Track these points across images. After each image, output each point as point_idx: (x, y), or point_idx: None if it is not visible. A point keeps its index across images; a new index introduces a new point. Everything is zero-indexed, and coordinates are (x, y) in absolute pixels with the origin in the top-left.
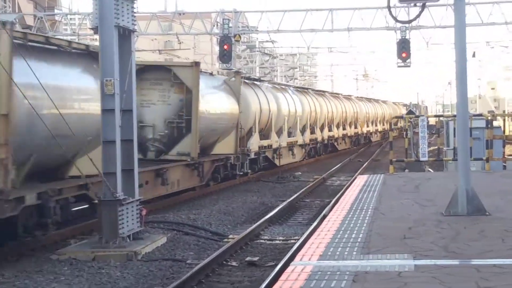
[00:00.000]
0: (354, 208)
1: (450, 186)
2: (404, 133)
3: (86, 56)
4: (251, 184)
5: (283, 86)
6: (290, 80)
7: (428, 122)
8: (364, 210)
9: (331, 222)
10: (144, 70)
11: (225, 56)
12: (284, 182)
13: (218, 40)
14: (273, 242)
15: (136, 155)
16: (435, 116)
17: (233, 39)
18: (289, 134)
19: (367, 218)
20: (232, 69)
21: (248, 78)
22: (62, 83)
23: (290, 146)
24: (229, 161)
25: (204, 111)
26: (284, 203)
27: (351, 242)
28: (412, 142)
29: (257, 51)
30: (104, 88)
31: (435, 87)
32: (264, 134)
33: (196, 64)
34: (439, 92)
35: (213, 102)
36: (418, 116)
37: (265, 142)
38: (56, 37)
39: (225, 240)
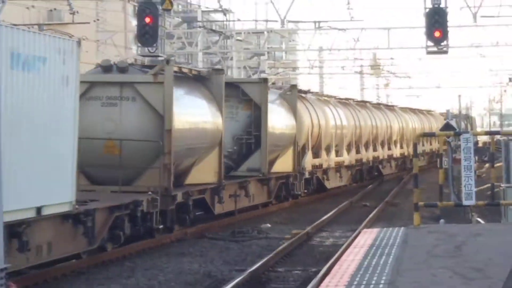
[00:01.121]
0: (355, 283)
1: None
2: (438, 160)
3: (198, 80)
4: (188, 244)
5: (326, 98)
6: (255, 74)
7: (476, 144)
8: (371, 287)
9: None
10: None
11: (146, 35)
12: (242, 241)
13: (136, 9)
14: None
15: (1, 200)
16: (488, 133)
17: (160, 8)
18: (336, 153)
19: None
20: (159, 56)
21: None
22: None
23: (337, 167)
24: (289, 180)
25: (270, 127)
26: (243, 275)
27: None
28: (451, 175)
29: (200, 28)
30: None
31: (487, 86)
32: (315, 152)
33: (265, 80)
34: (494, 94)
35: (276, 118)
36: (459, 134)
37: (317, 161)
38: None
39: None
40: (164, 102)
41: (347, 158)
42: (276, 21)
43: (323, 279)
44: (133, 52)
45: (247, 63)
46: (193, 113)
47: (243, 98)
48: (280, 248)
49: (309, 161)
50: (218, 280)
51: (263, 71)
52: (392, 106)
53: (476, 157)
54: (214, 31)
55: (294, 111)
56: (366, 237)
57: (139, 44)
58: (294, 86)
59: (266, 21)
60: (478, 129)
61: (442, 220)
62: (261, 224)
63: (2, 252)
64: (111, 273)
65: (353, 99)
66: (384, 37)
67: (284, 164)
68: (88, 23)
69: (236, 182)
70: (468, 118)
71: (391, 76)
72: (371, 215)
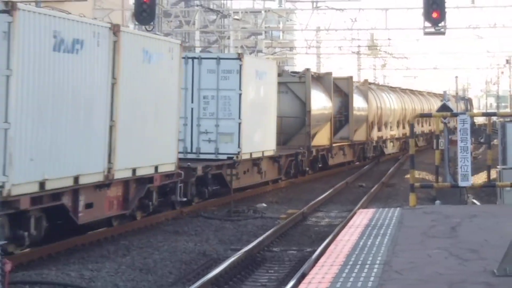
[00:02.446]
0: (351, 263)
1: (508, 228)
2: (434, 142)
3: (317, 79)
4: (184, 223)
5: (382, 86)
6: (251, 53)
7: (473, 125)
8: (367, 267)
9: (313, 286)
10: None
11: (144, 13)
12: (238, 220)
13: None
14: None
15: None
16: (484, 114)
17: None
18: (390, 128)
19: (371, 280)
20: (156, 34)
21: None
22: (318, 95)
23: (391, 139)
24: (365, 146)
25: (354, 108)
26: (238, 254)
27: None
28: (447, 156)
29: (198, 6)
30: None
31: (484, 67)
32: (378, 127)
33: (351, 78)
34: (491, 76)
35: (356, 102)
36: (456, 115)
37: (379, 134)
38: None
39: None
40: (305, 93)
41: (397, 132)
42: (274, 0)
43: (318, 259)
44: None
45: (244, 43)
46: (319, 100)
47: (336, 89)
48: (276, 227)
49: (375, 133)
50: (213, 259)
51: (260, 51)
52: (421, 91)
53: (472, 138)
54: (211, 10)
55: (366, 98)
56: (362, 217)
57: (136, 23)
58: (366, 81)
59: (264, 0)
60: (475, 111)
61: (437, 201)
62: (257, 204)
63: None
64: (106, 251)
65: (399, 88)
66: (381, 17)
67: (360, 135)
68: (85, 0)
69: (337, 146)
70: (467, 100)
71: (388, 57)
72: (366, 196)
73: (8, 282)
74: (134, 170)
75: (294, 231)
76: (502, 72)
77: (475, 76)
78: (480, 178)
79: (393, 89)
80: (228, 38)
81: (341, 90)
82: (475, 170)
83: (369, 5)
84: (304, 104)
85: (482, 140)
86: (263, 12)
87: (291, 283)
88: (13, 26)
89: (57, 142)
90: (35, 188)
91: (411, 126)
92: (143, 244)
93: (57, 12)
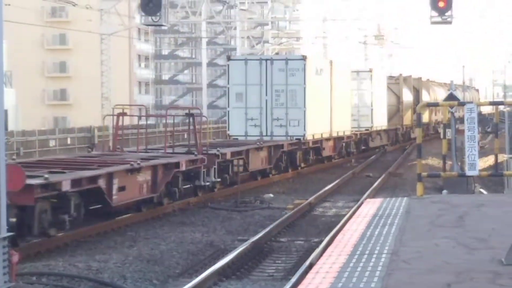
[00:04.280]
0: (358, 253)
1: None
2: (441, 131)
3: (403, 80)
4: (191, 213)
5: (433, 82)
6: (258, 44)
7: (480, 114)
8: (374, 256)
9: (320, 276)
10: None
11: (150, 4)
12: (245, 210)
13: None
14: None
15: (4, 166)
16: (492, 103)
17: None
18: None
19: (379, 269)
20: (162, 25)
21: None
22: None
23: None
24: (410, 130)
25: (404, 101)
26: (245, 245)
27: None
28: (454, 145)
29: None
30: None
31: (492, 58)
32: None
33: (420, 77)
34: (498, 66)
35: (405, 95)
36: (463, 104)
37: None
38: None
39: None
40: (399, 91)
41: (427, 119)
42: None
43: (326, 249)
44: (136, 21)
45: (250, 33)
46: (405, 94)
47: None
48: (283, 218)
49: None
50: (221, 250)
51: (267, 41)
52: (446, 83)
53: (480, 128)
54: (218, 0)
55: (413, 91)
56: (369, 207)
57: (143, 13)
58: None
59: None
60: (482, 100)
61: (445, 191)
62: (264, 194)
63: (5, 221)
64: (113, 242)
65: (434, 81)
66: (389, 5)
67: (407, 120)
68: None
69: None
70: (470, 89)
71: (395, 47)
72: (374, 185)
73: (15, 274)
74: (337, 132)
75: (302, 221)
76: (509, 61)
77: (482, 65)
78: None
79: (442, 84)
80: (235, 28)
81: (415, 87)
82: (482, 160)
83: None
84: (398, 97)
85: (489, 130)
86: (269, 2)
87: (298, 273)
88: (305, 64)
89: (322, 117)
90: None
91: (418, 116)
92: (150, 235)
93: (320, 58)
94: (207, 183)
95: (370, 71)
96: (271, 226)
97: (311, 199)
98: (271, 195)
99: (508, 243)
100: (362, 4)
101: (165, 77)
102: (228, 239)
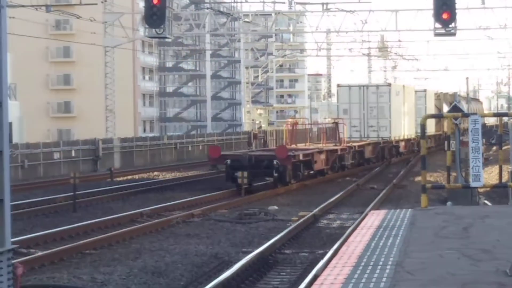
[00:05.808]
0: (363, 264)
1: None
2: (445, 142)
3: (442, 96)
4: (195, 225)
5: (464, 97)
6: (262, 56)
7: (484, 125)
8: (379, 268)
9: (325, 287)
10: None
11: (154, 16)
12: (249, 222)
13: None
14: None
15: (8, 178)
16: (496, 115)
17: None
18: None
19: (383, 280)
20: (166, 37)
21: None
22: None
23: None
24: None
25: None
26: (250, 256)
27: None
28: (458, 157)
29: (208, 9)
30: None
31: (495, 68)
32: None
33: (455, 93)
34: (501, 77)
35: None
36: (467, 115)
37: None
38: None
39: None
40: (440, 105)
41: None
42: (284, 2)
43: (330, 260)
44: (140, 33)
45: (254, 45)
46: (444, 108)
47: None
48: (287, 230)
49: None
50: (225, 262)
51: (271, 53)
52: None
53: (484, 140)
54: (221, 12)
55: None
56: (374, 218)
57: (147, 26)
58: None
59: (274, 2)
60: (486, 111)
61: (449, 203)
62: (268, 206)
63: (9, 233)
64: (118, 254)
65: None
66: (392, 19)
67: (445, 128)
68: (96, 4)
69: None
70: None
71: (399, 59)
72: (378, 197)
73: (19, 286)
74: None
75: (306, 233)
76: None
77: (486, 77)
78: (490, 176)
79: (474, 99)
80: (239, 41)
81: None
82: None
83: (379, 6)
84: (439, 110)
85: (493, 142)
86: (273, 14)
87: (303, 285)
88: (390, 89)
89: (398, 124)
90: None
91: (422, 127)
92: (155, 247)
93: (397, 84)
94: (348, 163)
95: (389, 85)
96: (276, 238)
97: (315, 211)
98: (276, 207)
99: None
100: (366, 16)
101: (169, 89)
102: (233, 251)
